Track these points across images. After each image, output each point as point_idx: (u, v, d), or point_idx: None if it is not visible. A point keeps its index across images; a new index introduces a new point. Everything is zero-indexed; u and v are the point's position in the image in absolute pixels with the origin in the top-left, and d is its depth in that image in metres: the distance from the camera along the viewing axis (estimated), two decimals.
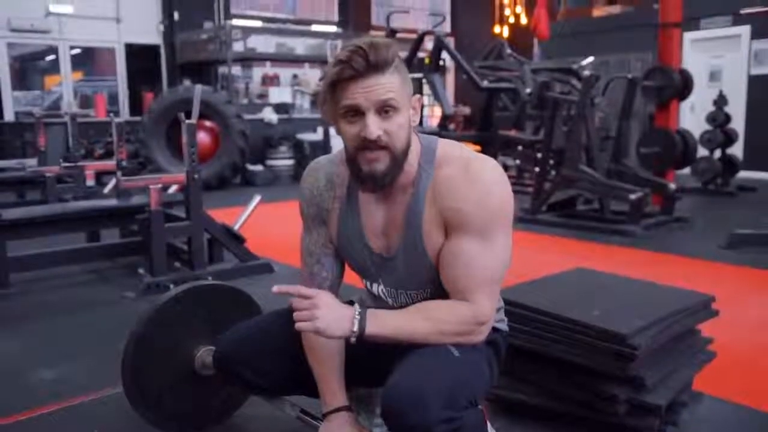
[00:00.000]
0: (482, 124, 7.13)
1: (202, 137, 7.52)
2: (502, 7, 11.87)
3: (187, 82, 9.52)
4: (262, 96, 10.99)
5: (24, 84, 10.13)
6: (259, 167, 8.92)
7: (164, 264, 3.56)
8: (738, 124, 7.96)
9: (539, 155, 5.71)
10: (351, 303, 1.38)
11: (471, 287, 1.33)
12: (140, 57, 10.52)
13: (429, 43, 7.91)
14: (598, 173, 5.32)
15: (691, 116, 8.74)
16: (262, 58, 11.16)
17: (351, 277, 1.56)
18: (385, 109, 1.27)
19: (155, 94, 9.40)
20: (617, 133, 5.79)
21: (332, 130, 1.52)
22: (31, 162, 5.85)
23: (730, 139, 7.08)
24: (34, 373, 2.45)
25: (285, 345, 1.51)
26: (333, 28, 12.72)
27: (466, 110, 12.55)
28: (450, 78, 12.78)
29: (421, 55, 7.85)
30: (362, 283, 1.55)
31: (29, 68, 10.33)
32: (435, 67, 7.35)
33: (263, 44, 10.77)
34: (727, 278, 3.77)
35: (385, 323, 1.31)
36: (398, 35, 8.11)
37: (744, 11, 8.38)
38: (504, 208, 1.35)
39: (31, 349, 2.75)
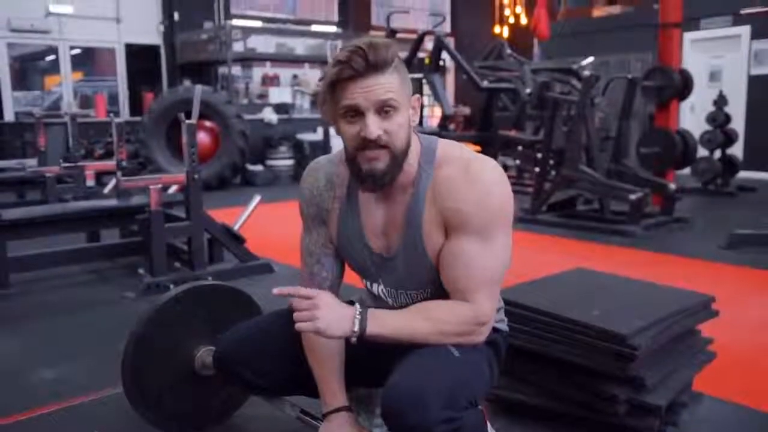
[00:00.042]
0: (482, 124, 7.13)
1: (202, 137, 7.52)
2: (502, 7, 11.87)
3: (187, 83, 9.53)
4: (262, 96, 11.00)
5: (24, 84, 10.13)
6: (259, 167, 8.92)
7: (164, 264, 3.56)
8: (738, 124, 7.96)
9: (539, 155, 5.71)
10: (351, 303, 1.38)
11: (471, 287, 1.33)
12: (140, 57, 10.52)
13: (429, 44, 7.92)
14: (598, 173, 5.32)
15: (691, 116, 8.74)
16: (262, 59, 11.16)
17: (351, 277, 1.56)
18: (384, 109, 1.27)
19: (155, 94, 9.40)
20: (617, 133, 5.79)
21: (332, 130, 1.52)
22: (31, 162, 5.85)
23: (730, 139, 7.08)
24: (34, 373, 2.46)
25: (285, 345, 1.51)
26: (333, 29, 12.72)
27: (466, 110, 12.55)
28: (450, 78, 12.78)
29: (421, 55, 7.85)
30: (362, 283, 1.55)
31: (29, 68, 10.34)
32: (435, 67, 7.35)
33: (263, 44, 10.78)
34: (727, 278, 3.77)
35: (385, 323, 1.31)
36: (398, 35, 8.10)
37: (744, 11, 8.38)
38: (504, 209, 1.35)
39: (31, 349, 2.75)
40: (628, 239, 4.79)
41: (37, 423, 2.06)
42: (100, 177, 5.09)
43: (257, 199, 4.18)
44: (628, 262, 4.13)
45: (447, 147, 1.41)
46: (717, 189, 7.07)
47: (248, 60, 10.81)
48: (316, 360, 1.47)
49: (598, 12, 10.36)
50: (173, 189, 4.39)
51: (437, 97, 7.31)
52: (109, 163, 4.80)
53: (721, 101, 7.07)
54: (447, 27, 13.39)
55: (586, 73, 5.50)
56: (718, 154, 7.11)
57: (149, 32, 10.48)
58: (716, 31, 8.86)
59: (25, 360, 2.61)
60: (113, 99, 10.44)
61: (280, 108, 9.94)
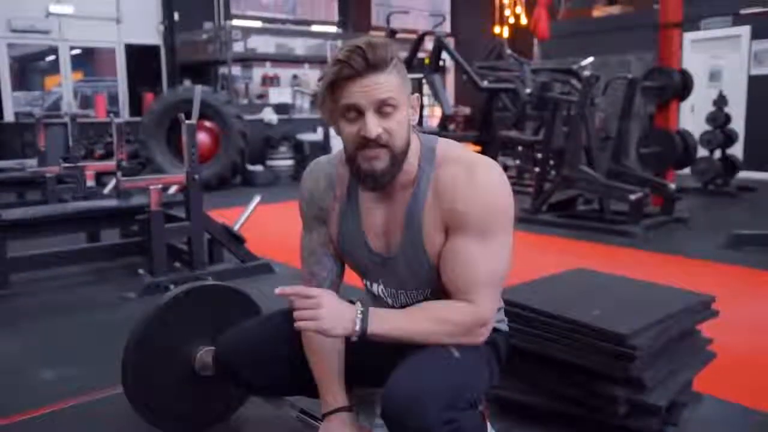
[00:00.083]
0: (482, 124, 7.12)
1: (202, 138, 7.52)
2: (502, 7, 11.88)
3: (187, 83, 9.52)
4: (262, 96, 11.00)
5: (24, 84, 10.13)
6: (259, 167, 8.92)
7: (164, 264, 3.56)
8: (738, 124, 7.96)
9: (539, 155, 5.71)
10: (352, 302, 1.38)
11: (472, 288, 1.33)
12: (140, 57, 10.52)
13: (429, 44, 7.92)
14: (598, 173, 5.32)
15: (691, 116, 8.74)
16: (262, 59, 11.17)
17: (351, 277, 1.56)
18: (384, 108, 1.28)
19: (155, 94, 9.40)
20: (617, 134, 5.78)
21: (332, 130, 1.52)
22: (31, 162, 5.84)
23: (730, 139, 7.08)
24: (34, 373, 2.46)
25: (285, 346, 1.51)
26: (333, 29, 12.73)
27: (466, 110, 12.55)
28: (450, 78, 12.77)
29: (421, 55, 7.85)
30: (362, 283, 1.55)
31: (29, 69, 10.34)
32: (435, 67, 7.34)
33: (263, 45, 10.79)
34: (727, 278, 3.77)
35: (387, 322, 1.31)
36: (398, 35, 8.11)
37: (744, 11, 8.38)
38: (505, 209, 1.35)
39: (31, 349, 2.75)
40: (628, 239, 4.78)
41: (37, 423, 2.06)
42: (100, 177, 5.08)
43: (257, 199, 4.18)
44: (628, 262, 4.13)
45: (447, 146, 1.41)
46: (717, 189, 7.07)
47: (248, 60, 10.81)
48: (316, 360, 1.47)
49: (598, 12, 10.36)
50: (173, 189, 4.39)
51: (437, 97, 7.31)
52: (109, 164, 4.79)
53: (721, 101, 7.07)
54: (447, 27, 13.38)
55: (586, 73, 5.49)
56: (718, 154, 7.11)
57: (149, 32, 10.47)
58: (716, 31, 8.86)
59: (25, 360, 2.62)
60: (113, 99, 10.44)
61: (280, 108, 9.94)
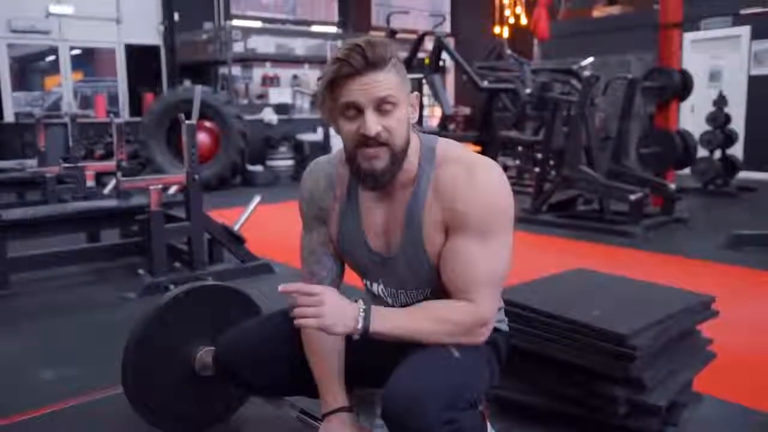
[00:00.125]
0: (482, 124, 7.13)
1: (202, 138, 7.52)
2: (502, 7, 11.88)
3: (187, 83, 9.52)
4: (262, 96, 11.00)
5: (24, 85, 10.13)
6: (259, 168, 8.92)
7: (164, 264, 3.56)
8: (738, 124, 7.96)
9: (539, 155, 5.71)
10: (353, 301, 1.37)
11: (472, 288, 1.33)
12: (140, 57, 10.52)
13: (429, 44, 7.92)
14: (598, 174, 5.32)
15: (691, 117, 8.74)
16: (262, 59, 11.16)
17: (351, 277, 1.56)
18: (383, 106, 1.28)
19: (155, 94, 9.40)
20: (617, 134, 5.78)
21: (332, 130, 1.52)
22: (31, 162, 5.85)
23: (730, 139, 7.08)
24: (34, 373, 2.46)
25: (285, 346, 1.51)
26: (333, 29, 12.73)
27: (466, 110, 12.55)
28: (450, 78, 12.77)
29: (421, 55, 7.86)
30: (362, 283, 1.55)
31: (29, 69, 10.34)
32: (435, 67, 7.35)
33: (263, 45, 10.78)
34: (727, 278, 3.77)
35: (388, 321, 1.30)
36: (398, 36, 8.11)
37: (744, 12, 8.38)
38: (505, 209, 1.35)
39: (31, 349, 2.75)
40: (628, 239, 4.78)
41: (37, 423, 2.06)
42: (100, 177, 5.08)
43: (257, 199, 4.18)
44: (628, 262, 4.13)
45: (447, 146, 1.41)
46: (717, 189, 7.07)
47: (248, 60, 10.80)
48: (316, 360, 1.47)
49: (598, 12, 10.36)
50: (173, 189, 4.39)
51: (437, 97, 7.32)
52: (109, 164, 4.80)
53: (721, 101, 7.07)
54: (447, 27, 13.38)
55: (586, 73, 5.50)
56: (718, 154, 7.11)
57: (149, 33, 10.47)
58: (716, 31, 8.86)
59: (25, 360, 2.62)
60: (113, 99, 10.44)
61: (280, 108, 9.94)
